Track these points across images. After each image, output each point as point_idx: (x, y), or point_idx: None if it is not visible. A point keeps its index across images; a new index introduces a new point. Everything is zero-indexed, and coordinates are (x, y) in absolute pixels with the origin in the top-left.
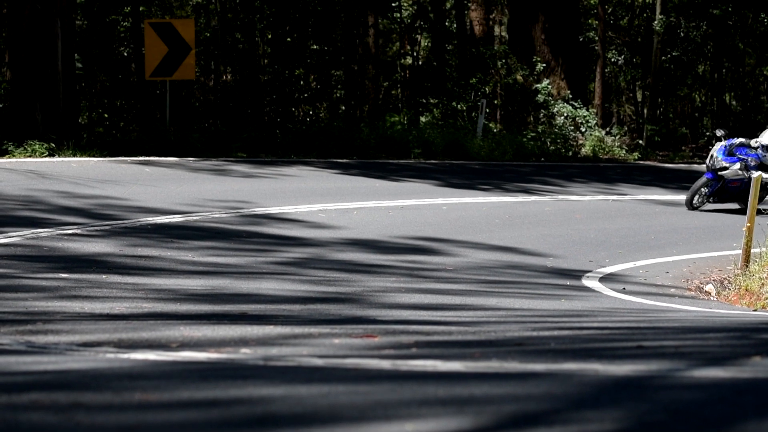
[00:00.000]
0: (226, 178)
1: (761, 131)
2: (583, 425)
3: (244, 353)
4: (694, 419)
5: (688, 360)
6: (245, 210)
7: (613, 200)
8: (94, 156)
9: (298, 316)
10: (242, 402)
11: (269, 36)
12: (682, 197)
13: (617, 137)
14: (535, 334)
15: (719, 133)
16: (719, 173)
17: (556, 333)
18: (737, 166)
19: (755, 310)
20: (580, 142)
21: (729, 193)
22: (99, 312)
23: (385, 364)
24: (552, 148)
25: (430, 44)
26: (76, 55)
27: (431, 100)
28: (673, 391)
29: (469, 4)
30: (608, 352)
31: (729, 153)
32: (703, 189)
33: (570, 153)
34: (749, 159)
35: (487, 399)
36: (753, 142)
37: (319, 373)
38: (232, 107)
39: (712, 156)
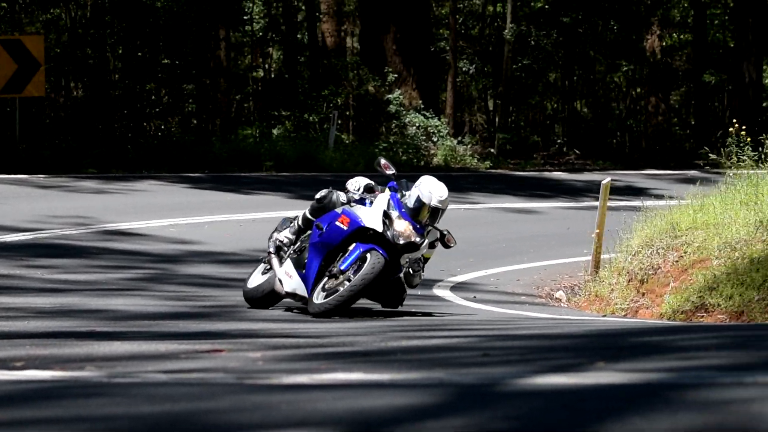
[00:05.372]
0: (76, 194)
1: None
2: None
3: (89, 371)
4: (536, 426)
5: (532, 367)
6: (96, 226)
7: (464, 209)
8: None
9: (146, 332)
10: (84, 420)
11: (120, 51)
12: (533, 204)
13: (469, 146)
14: (383, 345)
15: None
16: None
17: (404, 343)
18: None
19: (604, 316)
20: (432, 151)
21: None
22: None
23: (230, 378)
24: (404, 158)
25: (282, 56)
26: None
27: (283, 113)
28: (516, 399)
29: (321, 16)
30: (454, 361)
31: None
32: None
33: (422, 163)
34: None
35: (330, 411)
36: (351, 187)
37: (163, 388)
38: (82, 123)
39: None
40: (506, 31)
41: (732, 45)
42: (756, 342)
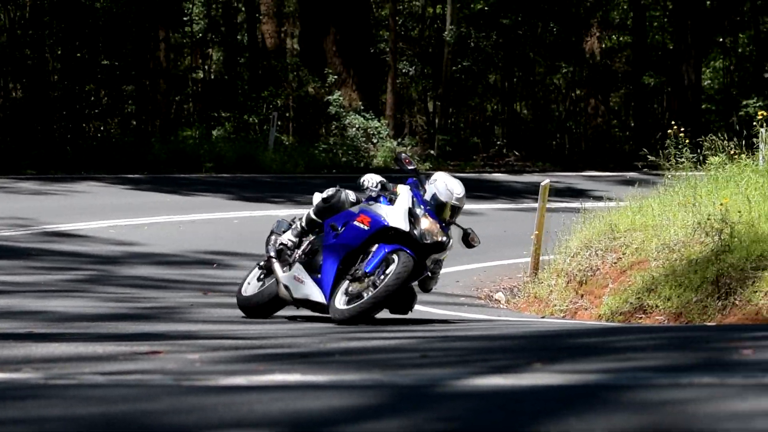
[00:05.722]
0: (15, 195)
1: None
2: None
3: (27, 372)
4: (472, 427)
5: (471, 368)
6: (35, 228)
7: None
8: None
9: (85, 334)
10: (19, 422)
11: (59, 52)
12: (473, 206)
13: (409, 147)
14: (321, 346)
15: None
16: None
17: (343, 345)
18: None
19: (543, 317)
20: (372, 153)
21: None
22: None
23: (168, 380)
24: (344, 159)
25: (221, 58)
26: None
27: (223, 114)
28: (453, 400)
29: (261, 18)
30: (393, 362)
31: None
32: None
33: (362, 164)
34: None
35: (267, 412)
36: (368, 183)
37: (100, 390)
38: (21, 124)
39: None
40: (446, 32)
41: (671, 47)
42: (692, 343)
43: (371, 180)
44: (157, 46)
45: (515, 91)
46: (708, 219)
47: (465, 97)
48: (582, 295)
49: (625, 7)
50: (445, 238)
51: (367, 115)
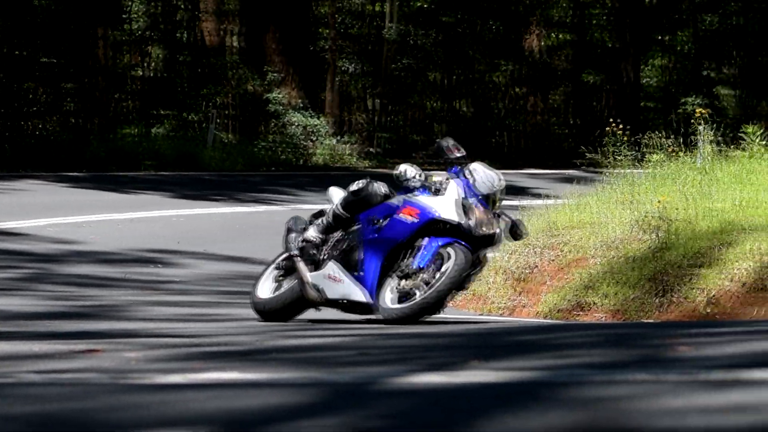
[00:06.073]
0: None
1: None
2: None
3: None
4: (409, 425)
5: (409, 366)
6: None
7: None
8: None
9: (23, 332)
10: None
11: None
12: None
13: (348, 145)
14: (260, 344)
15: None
16: None
17: (281, 343)
18: None
19: (481, 315)
20: (310, 151)
21: None
22: None
23: (105, 378)
24: (283, 157)
25: (161, 55)
26: None
27: (163, 112)
28: (390, 398)
29: (201, 15)
30: (331, 360)
31: None
32: None
33: (301, 162)
34: None
35: (203, 410)
36: (409, 174)
37: (36, 388)
38: None
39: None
40: (386, 30)
41: (610, 45)
42: (629, 340)
43: (411, 170)
44: (97, 43)
45: (455, 88)
46: (646, 216)
47: (405, 94)
48: (521, 293)
49: (564, 5)
50: (498, 230)
51: (308, 113)
